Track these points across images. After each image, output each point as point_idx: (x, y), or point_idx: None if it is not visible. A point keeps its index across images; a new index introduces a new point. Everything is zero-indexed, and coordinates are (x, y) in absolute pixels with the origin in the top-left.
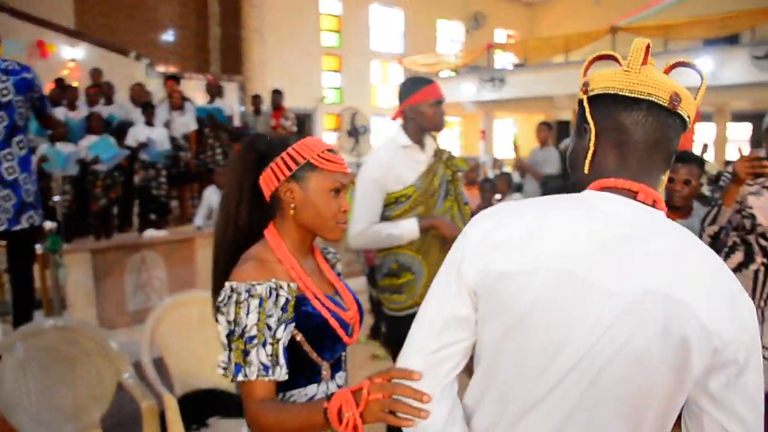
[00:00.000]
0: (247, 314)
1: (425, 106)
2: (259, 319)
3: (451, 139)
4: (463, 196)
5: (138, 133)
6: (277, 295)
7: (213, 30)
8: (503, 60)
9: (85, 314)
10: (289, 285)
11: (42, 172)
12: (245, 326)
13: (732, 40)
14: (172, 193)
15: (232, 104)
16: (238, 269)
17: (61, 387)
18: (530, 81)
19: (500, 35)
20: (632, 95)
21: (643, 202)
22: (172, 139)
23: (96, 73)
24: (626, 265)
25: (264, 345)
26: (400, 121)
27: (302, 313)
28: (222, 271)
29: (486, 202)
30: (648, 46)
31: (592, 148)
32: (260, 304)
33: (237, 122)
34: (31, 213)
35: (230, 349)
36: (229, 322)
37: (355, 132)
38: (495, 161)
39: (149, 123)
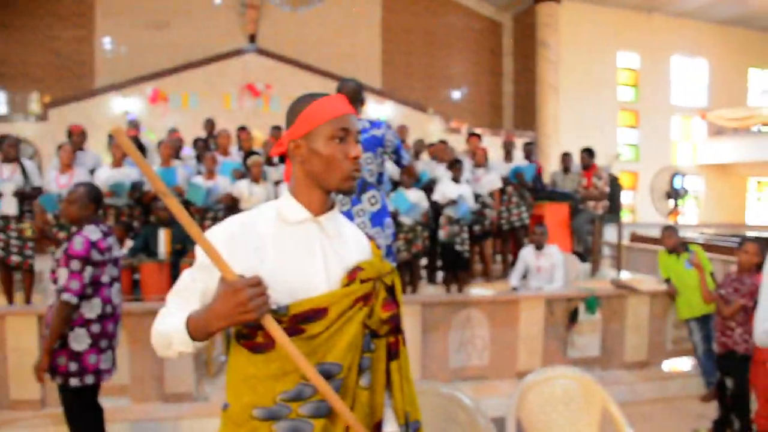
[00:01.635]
0: None
1: None
2: None
3: None
4: None
5: (446, 190)
6: None
7: (506, 87)
8: None
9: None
10: None
11: None
12: None
13: None
14: (474, 249)
15: (539, 162)
16: None
17: None
18: None
19: None
20: None
21: None
22: (477, 197)
23: (403, 130)
24: None
25: None
26: None
27: None
28: None
29: None
30: None
31: None
32: None
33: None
34: None
35: None
36: None
37: (675, 194)
38: None
39: (456, 179)
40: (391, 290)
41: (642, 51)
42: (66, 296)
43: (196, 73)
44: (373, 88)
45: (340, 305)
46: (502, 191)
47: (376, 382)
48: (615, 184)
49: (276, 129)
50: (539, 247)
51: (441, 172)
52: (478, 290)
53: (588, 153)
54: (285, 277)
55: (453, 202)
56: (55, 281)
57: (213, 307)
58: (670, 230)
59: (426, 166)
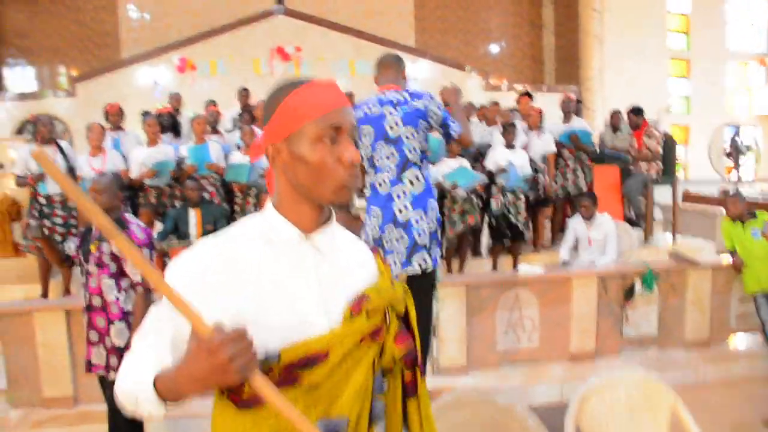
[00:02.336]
0: None
1: None
2: None
3: None
4: None
5: (498, 157)
6: None
7: (547, 39)
8: None
9: (456, 350)
10: None
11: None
12: None
13: None
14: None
15: (590, 122)
16: None
17: None
18: None
19: None
20: None
21: None
22: (530, 162)
23: (455, 92)
24: None
25: None
26: None
27: None
28: None
29: None
30: None
31: None
32: None
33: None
34: (424, 255)
35: None
36: None
37: (736, 152)
38: None
39: (509, 145)
40: (405, 318)
41: None
42: None
43: (224, 39)
44: (406, 46)
45: (343, 346)
46: (558, 155)
47: (391, 428)
48: (669, 143)
49: (211, 103)
50: (589, 217)
51: (496, 137)
52: (526, 267)
53: (635, 113)
54: (274, 315)
55: (503, 171)
56: (113, 276)
57: (185, 367)
58: (735, 197)
59: (475, 129)
